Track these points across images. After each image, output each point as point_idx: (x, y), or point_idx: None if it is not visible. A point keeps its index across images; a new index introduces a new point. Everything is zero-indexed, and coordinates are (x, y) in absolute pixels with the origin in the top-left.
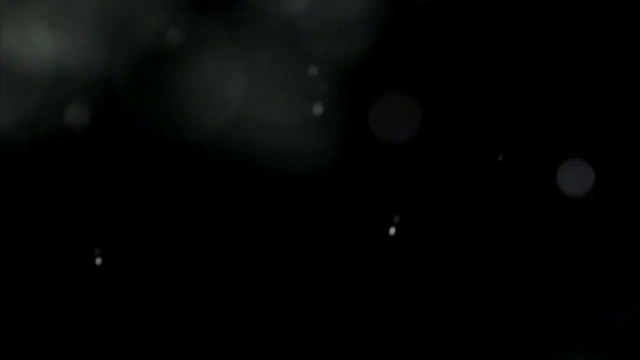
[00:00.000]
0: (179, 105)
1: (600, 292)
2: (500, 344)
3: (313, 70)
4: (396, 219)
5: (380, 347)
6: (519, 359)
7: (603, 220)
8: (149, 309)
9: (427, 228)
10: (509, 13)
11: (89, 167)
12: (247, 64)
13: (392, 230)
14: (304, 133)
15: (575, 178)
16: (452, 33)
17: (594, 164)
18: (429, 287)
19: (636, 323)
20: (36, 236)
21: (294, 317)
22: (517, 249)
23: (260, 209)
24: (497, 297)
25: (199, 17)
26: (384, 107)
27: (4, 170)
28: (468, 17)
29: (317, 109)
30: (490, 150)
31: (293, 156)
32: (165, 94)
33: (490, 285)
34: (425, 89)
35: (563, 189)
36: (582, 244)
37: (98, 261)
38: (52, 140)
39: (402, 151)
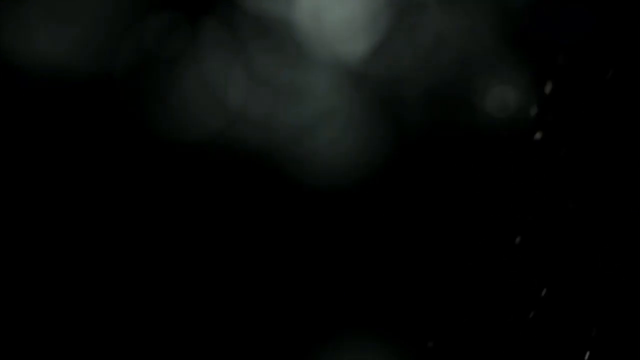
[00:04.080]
0: (179, 105)
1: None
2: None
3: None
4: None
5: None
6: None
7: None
8: (148, 309)
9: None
10: None
11: (89, 167)
12: (248, 63)
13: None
14: (304, 134)
15: None
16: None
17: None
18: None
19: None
20: (35, 236)
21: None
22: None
23: (261, 209)
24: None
25: (199, 16)
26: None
27: (4, 170)
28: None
29: None
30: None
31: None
32: (165, 93)
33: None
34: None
35: None
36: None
37: None
38: (53, 139)
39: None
